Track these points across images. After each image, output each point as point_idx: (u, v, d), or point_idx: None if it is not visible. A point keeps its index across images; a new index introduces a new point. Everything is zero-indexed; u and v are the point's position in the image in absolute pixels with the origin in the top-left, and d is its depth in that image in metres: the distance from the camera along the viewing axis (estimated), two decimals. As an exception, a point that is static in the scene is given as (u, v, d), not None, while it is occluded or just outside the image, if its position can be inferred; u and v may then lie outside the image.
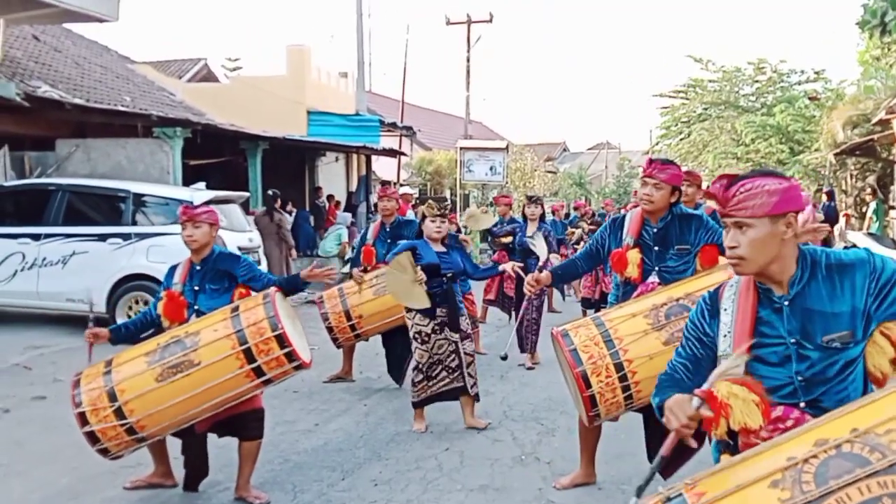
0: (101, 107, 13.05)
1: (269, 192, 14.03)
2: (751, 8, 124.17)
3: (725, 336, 2.42)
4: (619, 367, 3.91)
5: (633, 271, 4.45)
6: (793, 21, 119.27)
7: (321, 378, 7.66)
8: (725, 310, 2.46)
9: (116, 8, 12.32)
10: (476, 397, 6.18)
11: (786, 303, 2.36)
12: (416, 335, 6.04)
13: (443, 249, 6.07)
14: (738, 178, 2.39)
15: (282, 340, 4.17)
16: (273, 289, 4.44)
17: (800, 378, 2.32)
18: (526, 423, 6.34)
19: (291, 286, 4.69)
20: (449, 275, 6.01)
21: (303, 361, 4.30)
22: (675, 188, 4.45)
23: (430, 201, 6.14)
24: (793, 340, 2.33)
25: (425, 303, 5.87)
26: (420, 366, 6.01)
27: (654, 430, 4.15)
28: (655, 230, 4.45)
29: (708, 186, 2.43)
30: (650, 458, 4.27)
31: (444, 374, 6.03)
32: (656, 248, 4.44)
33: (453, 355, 6.01)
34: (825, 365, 2.30)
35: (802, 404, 2.32)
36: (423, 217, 6.10)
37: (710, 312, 2.53)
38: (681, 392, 2.35)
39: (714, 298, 2.53)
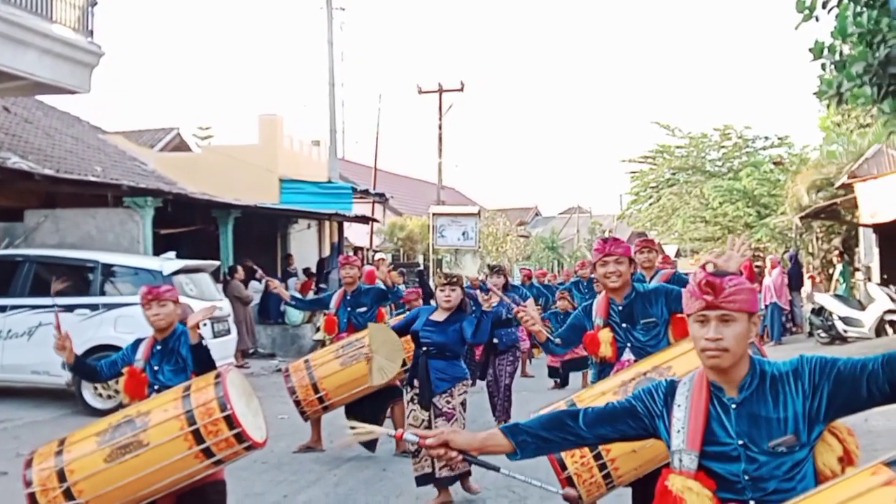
0: (70, 177, 13.06)
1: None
2: (715, 77, 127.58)
3: (679, 431, 2.46)
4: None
5: (606, 350, 4.47)
6: (755, 89, 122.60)
7: (290, 448, 7.57)
8: (679, 405, 2.50)
9: (88, 80, 12.43)
10: (449, 480, 5.83)
11: (733, 406, 2.42)
12: (409, 402, 6.08)
13: (441, 319, 5.89)
14: (718, 273, 2.46)
15: (231, 421, 4.10)
16: (225, 367, 4.40)
17: (747, 477, 2.36)
18: (498, 491, 6.27)
19: (201, 366, 4.45)
20: (425, 348, 5.84)
21: (254, 442, 4.21)
22: (630, 259, 4.57)
23: (438, 271, 6.20)
24: (740, 442, 2.39)
25: (386, 377, 6.00)
26: None
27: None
28: (621, 307, 4.50)
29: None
30: None
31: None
32: (624, 324, 4.48)
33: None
34: (772, 466, 2.35)
35: (752, 502, 2.36)
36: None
37: (663, 397, 2.57)
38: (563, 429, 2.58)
39: (671, 390, 2.57)
